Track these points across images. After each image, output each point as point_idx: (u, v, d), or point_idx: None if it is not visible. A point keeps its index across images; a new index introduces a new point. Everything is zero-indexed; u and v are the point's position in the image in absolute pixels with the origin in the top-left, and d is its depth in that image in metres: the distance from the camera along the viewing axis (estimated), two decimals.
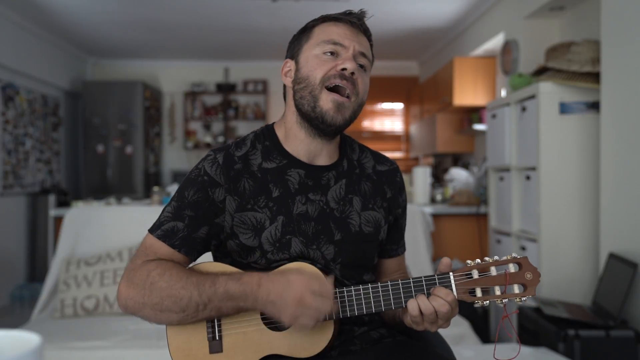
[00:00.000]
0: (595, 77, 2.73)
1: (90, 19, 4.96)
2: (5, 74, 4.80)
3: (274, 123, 1.25)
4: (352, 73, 1.12)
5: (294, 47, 1.20)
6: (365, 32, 1.18)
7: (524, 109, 3.05)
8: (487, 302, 1.06)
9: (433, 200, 4.43)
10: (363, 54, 1.15)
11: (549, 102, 2.84)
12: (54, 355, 2.17)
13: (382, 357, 1.12)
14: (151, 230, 1.14)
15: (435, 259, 3.97)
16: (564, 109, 2.85)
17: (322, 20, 1.18)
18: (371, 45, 1.21)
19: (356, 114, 1.17)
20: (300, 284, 1.01)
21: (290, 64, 1.19)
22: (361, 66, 1.15)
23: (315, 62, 1.14)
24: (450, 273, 1.06)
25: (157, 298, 1.04)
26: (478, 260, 1.07)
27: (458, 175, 4.35)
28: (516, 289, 1.06)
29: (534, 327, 2.43)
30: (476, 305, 1.07)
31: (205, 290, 1.04)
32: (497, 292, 1.06)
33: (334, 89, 1.12)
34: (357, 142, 1.30)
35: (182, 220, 1.12)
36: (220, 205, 1.13)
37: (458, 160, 5.48)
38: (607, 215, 2.55)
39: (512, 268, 1.07)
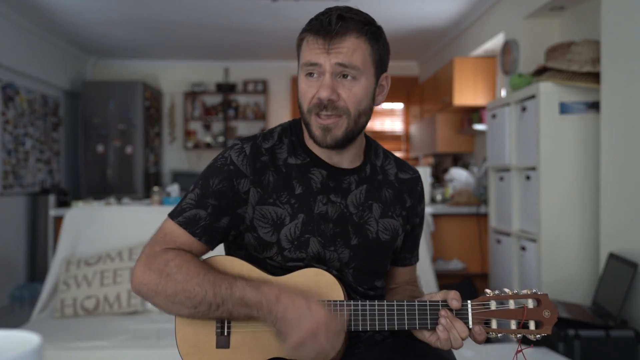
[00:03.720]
0: (595, 77, 2.73)
1: (90, 19, 4.96)
2: (5, 74, 4.80)
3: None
4: (330, 99, 1.08)
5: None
6: (345, 32, 1.07)
7: (524, 109, 3.05)
8: (501, 334, 1.05)
9: (433, 200, 4.43)
10: (343, 65, 1.07)
11: (549, 102, 2.84)
12: (54, 355, 2.17)
13: (383, 358, 1.12)
14: (172, 216, 1.13)
15: (436, 259, 3.97)
16: (564, 109, 2.85)
17: (305, 30, 1.12)
18: (373, 38, 1.10)
19: (357, 126, 1.12)
20: (321, 317, 1.00)
21: None
22: (346, 76, 1.08)
23: (302, 88, 1.12)
24: (469, 302, 1.06)
25: (171, 290, 1.04)
26: (497, 291, 1.06)
27: (458, 175, 4.35)
28: (532, 325, 1.05)
29: None
30: (490, 336, 1.06)
31: (220, 291, 1.03)
32: (513, 326, 1.05)
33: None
34: (382, 147, 1.28)
35: (205, 208, 1.11)
36: (244, 197, 1.12)
37: (458, 160, 5.48)
38: (607, 215, 2.55)
39: (530, 303, 1.05)
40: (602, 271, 2.50)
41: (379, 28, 1.14)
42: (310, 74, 1.10)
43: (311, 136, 1.13)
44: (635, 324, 2.32)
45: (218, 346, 1.09)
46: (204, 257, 1.15)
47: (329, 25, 1.07)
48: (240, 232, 1.15)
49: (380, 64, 1.15)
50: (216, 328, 1.10)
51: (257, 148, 1.15)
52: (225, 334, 1.09)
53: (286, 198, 1.13)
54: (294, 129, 1.21)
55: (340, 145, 1.13)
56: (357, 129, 1.13)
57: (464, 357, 2.13)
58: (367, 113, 1.14)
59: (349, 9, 1.11)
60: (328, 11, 1.10)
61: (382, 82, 1.17)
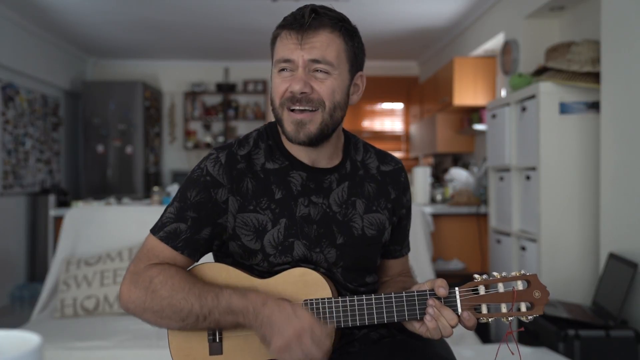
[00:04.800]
0: (595, 77, 2.73)
1: (90, 19, 4.96)
2: (5, 74, 4.80)
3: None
4: (303, 92, 1.07)
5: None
6: (319, 26, 1.07)
7: (524, 109, 3.05)
8: (492, 318, 1.04)
9: (433, 200, 4.43)
10: (316, 61, 1.07)
11: (549, 102, 2.84)
12: (54, 355, 2.17)
13: (382, 357, 1.11)
14: (153, 232, 1.13)
15: (436, 259, 3.97)
16: (564, 109, 2.85)
17: (279, 26, 1.12)
18: (347, 34, 1.10)
19: (332, 121, 1.11)
20: (306, 321, 1.01)
21: None
22: (319, 71, 1.08)
23: (275, 84, 1.12)
24: (457, 288, 1.05)
25: (158, 306, 1.05)
26: (485, 275, 1.05)
27: (458, 175, 4.35)
28: (523, 306, 1.04)
29: (534, 327, 2.43)
30: (481, 321, 1.05)
31: (207, 302, 1.04)
32: (504, 309, 1.03)
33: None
34: (362, 141, 1.27)
35: (185, 221, 1.11)
36: (223, 206, 1.12)
37: (458, 160, 5.48)
38: (607, 215, 2.55)
39: (520, 285, 1.04)
40: (602, 271, 2.50)
41: (354, 27, 1.14)
42: (283, 70, 1.10)
43: (284, 132, 1.12)
44: (635, 324, 2.32)
45: (211, 353, 1.10)
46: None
47: (302, 19, 1.07)
48: (224, 242, 1.15)
49: (355, 62, 1.14)
50: (208, 335, 1.10)
51: (233, 156, 1.14)
52: (218, 340, 1.10)
53: (266, 204, 1.12)
54: (270, 132, 1.20)
55: (314, 142, 1.11)
56: (332, 124, 1.12)
57: (463, 357, 2.13)
58: (343, 108, 1.13)
59: (323, 6, 1.11)
60: (302, 7, 1.10)
61: (357, 82, 1.17)
